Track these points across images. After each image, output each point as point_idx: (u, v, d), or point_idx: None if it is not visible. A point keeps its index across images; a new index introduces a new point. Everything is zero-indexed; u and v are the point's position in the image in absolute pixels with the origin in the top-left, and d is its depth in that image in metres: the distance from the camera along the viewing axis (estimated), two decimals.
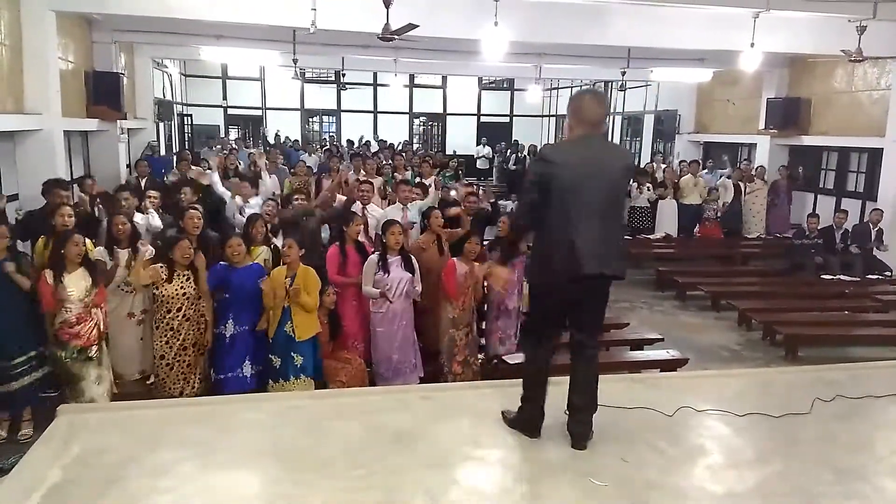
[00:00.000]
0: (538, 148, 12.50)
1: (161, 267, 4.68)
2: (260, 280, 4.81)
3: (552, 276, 3.14)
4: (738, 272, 10.38)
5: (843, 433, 3.51)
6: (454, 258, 5.39)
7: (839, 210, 10.40)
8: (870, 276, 9.38)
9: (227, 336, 4.87)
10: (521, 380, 3.48)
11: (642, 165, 14.45)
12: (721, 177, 12.54)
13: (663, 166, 13.61)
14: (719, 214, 11.61)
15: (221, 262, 4.97)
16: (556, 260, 3.10)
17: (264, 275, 4.93)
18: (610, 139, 19.47)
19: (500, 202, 13.80)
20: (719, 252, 11.36)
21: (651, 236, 11.59)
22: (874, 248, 9.57)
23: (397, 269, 5.29)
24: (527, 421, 3.43)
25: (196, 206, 5.96)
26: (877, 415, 3.80)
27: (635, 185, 11.75)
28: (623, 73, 13.36)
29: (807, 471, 3.15)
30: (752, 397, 3.99)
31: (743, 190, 11.81)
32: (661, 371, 5.73)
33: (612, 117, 19.98)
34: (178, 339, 4.67)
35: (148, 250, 5.24)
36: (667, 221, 11.63)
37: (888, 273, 9.62)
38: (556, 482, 3.02)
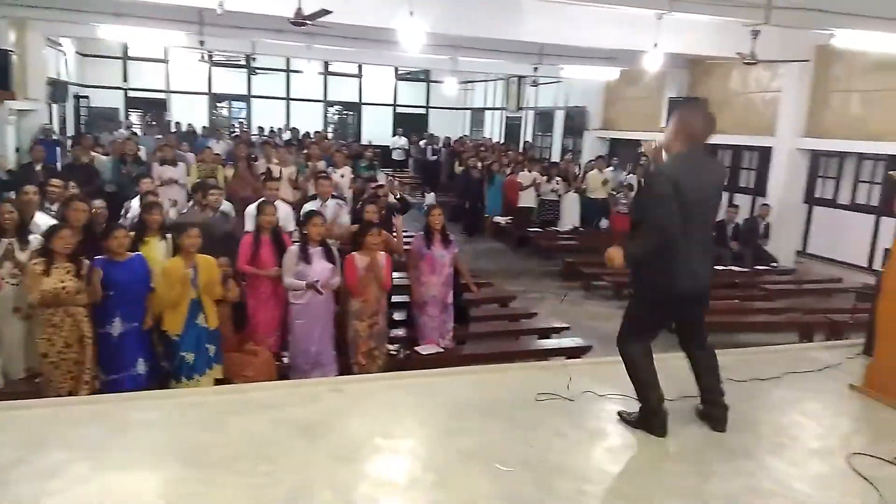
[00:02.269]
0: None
1: (35, 262, 4.37)
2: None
3: (673, 289, 3.27)
4: None
5: (732, 414, 3.73)
6: (354, 252, 5.32)
7: (731, 205, 11.05)
8: (758, 267, 10.04)
9: (116, 335, 4.57)
10: (636, 381, 3.47)
11: (553, 160, 14.87)
12: (625, 174, 13.06)
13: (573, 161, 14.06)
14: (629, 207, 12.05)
15: (99, 257, 4.60)
16: (676, 275, 3.25)
17: (146, 267, 4.69)
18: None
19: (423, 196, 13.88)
20: (623, 244, 11.79)
21: (559, 229, 11.96)
22: (761, 242, 10.25)
23: (319, 260, 5.21)
24: (654, 419, 3.45)
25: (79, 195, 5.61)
26: (762, 397, 4.08)
27: (545, 178, 12.12)
28: (535, 69, 13.63)
29: (699, 450, 3.35)
30: None
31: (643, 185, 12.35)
32: (567, 358, 5.91)
33: (524, 112, 20.39)
34: (62, 336, 4.39)
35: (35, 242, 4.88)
36: (569, 214, 12.07)
37: (774, 264, 10.32)
38: (465, 469, 3.07)
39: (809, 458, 3.36)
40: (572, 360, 5.77)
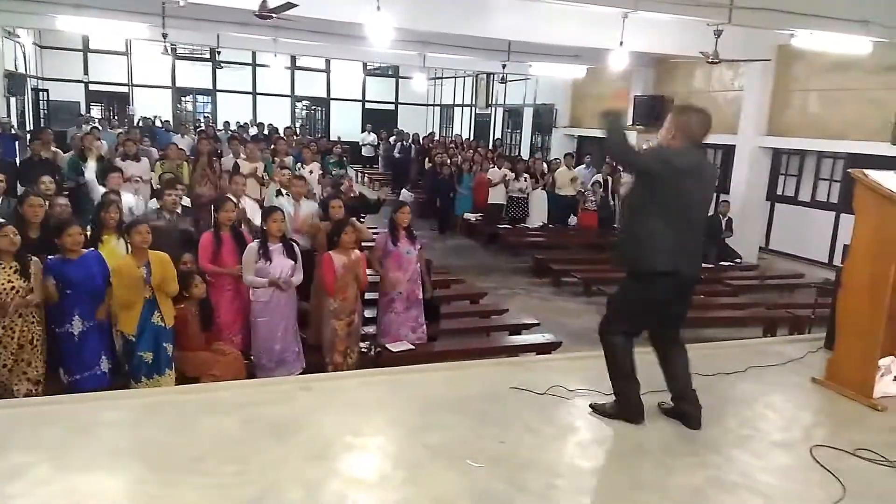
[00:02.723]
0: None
1: None
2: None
3: (650, 268, 3.32)
4: (607, 259, 10.90)
5: None
6: (330, 251, 5.25)
7: None
8: (722, 263, 10.22)
9: (76, 334, 4.47)
10: (614, 371, 3.52)
11: (523, 157, 14.96)
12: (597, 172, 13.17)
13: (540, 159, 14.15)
14: (598, 205, 12.13)
15: (51, 256, 4.49)
16: (658, 255, 3.29)
17: (102, 262, 4.59)
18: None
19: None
20: (591, 241, 11.94)
21: (528, 225, 12.04)
22: (724, 237, 10.44)
23: (279, 256, 5.14)
24: (633, 408, 3.51)
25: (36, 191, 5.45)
26: (726, 390, 4.15)
27: (512, 174, 12.19)
28: (504, 66, 13.67)
29: (665, 444, 3.39)
30: None
31: (611, 183, 12.46)
32: (536, 354, 5.95)
33: (494, 109, 20.43)
34: (13, 338, 4.25)
35: None
36: (538, 211, 12.17)
37: (738, 260, 10.52)
38: (435, 466, 3.06)
39: (773, 450, 3.43)
40: (543, 355, 5.80)
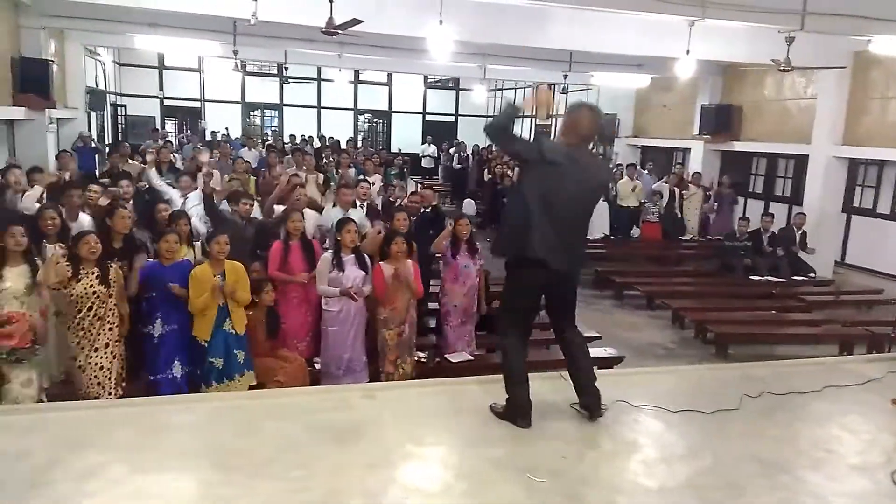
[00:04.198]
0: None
1: (66, 263, 4.44)
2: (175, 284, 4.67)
3: (519, 255, 3.41)
4: (672, 273, 10.68)
5: (768, 428, 3.67)
6: (381, 262, 5.29)
7: (766, 214, 10.84)
8: (795, 278, 9.82)
9: (156, 336, 4.70)
10: (505, 374, 3.59)
11: None
12: (658, 181, 12.87)
13: None
14: (660, 215, 11.83)
15: (150, 260, 4.81)
16: (535, 245, 3.34)
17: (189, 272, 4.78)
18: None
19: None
20: (654, 253, 11.66)
21: (589, 237, 11.85)
22: (799, 251, 10.02)
23: (352, 267, 5.21)
24: (520, 411, 3.53)
25: (124, 204, 5.73)
26: (799, 410, 3.98)
27: None
28: (565, 77, 13.57)
29: (735, 464, 3.28)
30: (685, 393, 4.12)
31: (678, 194, 12.14)
32: (598, 368, 5.82)
33: (554, 119, 20.29)
34: (90, 340, 4.44)
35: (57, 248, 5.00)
36: (599, 222, 11.96)
37: (812, 274, 10.08)
38: (496, 479, 3.04)
39: (850, 473, 3.26)
40: (604, 370, 5.69)
